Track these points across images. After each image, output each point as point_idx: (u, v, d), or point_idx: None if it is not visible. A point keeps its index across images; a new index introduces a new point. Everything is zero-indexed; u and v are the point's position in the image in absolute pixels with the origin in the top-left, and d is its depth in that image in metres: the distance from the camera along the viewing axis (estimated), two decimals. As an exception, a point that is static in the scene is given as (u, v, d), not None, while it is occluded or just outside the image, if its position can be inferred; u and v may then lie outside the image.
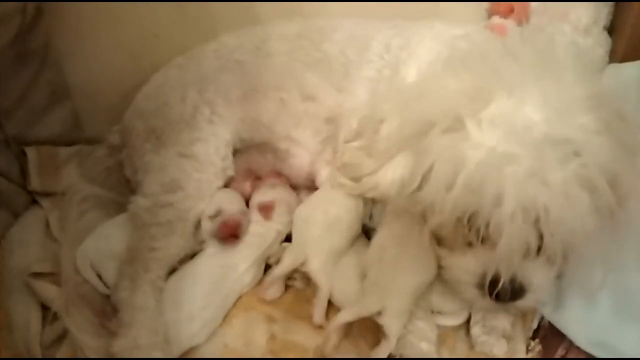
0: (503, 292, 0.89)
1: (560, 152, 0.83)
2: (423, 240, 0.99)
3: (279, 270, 1.09)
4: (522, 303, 0.92)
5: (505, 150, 0.84)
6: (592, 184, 0.84)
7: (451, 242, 0.96)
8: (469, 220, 0.88)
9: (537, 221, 0.83)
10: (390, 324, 0.97)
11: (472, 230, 0.89)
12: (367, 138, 1.08)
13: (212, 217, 1.14)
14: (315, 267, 1.06)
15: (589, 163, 0.83)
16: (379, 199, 1.08)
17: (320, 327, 1.04)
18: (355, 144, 1.11)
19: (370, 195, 1.08)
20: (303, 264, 1.07)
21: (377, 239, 1.08)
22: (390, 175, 1.02)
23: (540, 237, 0.85)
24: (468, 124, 0.88)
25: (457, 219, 0.88)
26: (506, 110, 0.87)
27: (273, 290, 1.10)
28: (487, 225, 0.85)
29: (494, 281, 0.89)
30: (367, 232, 1.16)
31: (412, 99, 1.01)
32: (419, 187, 0.92)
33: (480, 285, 0.92)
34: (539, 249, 0.88)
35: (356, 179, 1.09)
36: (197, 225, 1.15)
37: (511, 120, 0.86)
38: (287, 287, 1.12)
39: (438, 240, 0.99)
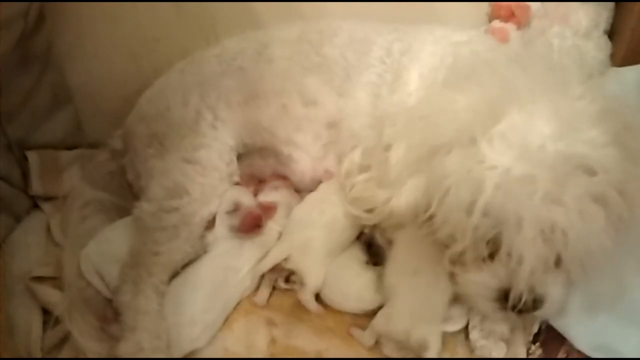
0: (524, 305, 0.90)
1: (572, 169, 0.85)
2: (441, 261, 1.00)
3: (263, 265, 1.10)
4: (540, 313, 0.94)
5: (522, 171, 0.85)
6: (605, 199, 0.85)
7: (465, 259, 0.96)
8: (487, 242, 0.89)
9: (555, 240, 0.84)
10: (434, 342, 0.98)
11: (488, 249, 0.91)
12: (375, 169, 1.09)
13: (231, 213, 1.15)
14: (305, 266, 1.07)
15: (601, 178, 0.85)
16: (395, 226, 1.08)
17: (321, 330, 1.05)
18: (362, 177, 1.11)
19: (386, 224, 1.08)
20: (287, 260, 1.08)
21: (402, 261, 1.08)
22: (404, 201, 1.02)
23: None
24: (480, 143, 0.88)
25: (474, 242, 0.90)
26: (517, 125, 0.88)
27: (260, 295, 1.11)
28: (505, 246, 0.87)
29: (514, 294, 0.90)
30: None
31: (418, 119, 1.01)
32: (435, 212, 0.93)
33: (498, 299, 0.93)
34: (557, 261, 0.90)
35: (370, 211, 1.09)
36: (206, 228, 1.15)
37: (523, 137, 0.87)
38: (287, 290, 1.12)
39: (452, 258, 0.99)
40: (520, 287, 0.89)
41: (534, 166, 0.84)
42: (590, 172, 0.86)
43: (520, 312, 0.91)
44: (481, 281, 0.94)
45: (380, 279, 1.07)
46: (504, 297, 0.91)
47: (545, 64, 0.95)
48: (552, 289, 0.92)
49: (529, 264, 0.86)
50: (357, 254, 1.14)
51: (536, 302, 0.91)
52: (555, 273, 0.91)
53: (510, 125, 0.89)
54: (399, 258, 1.07)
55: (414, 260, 1.05)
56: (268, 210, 1.19)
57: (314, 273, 1.07)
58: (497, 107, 0.90)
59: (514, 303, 0.90)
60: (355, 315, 1.07)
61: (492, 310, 0.94)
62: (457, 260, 0.97)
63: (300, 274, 1.07)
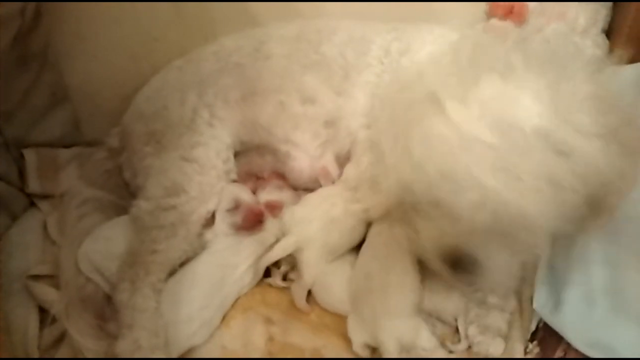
0: (462, 265, 0.89)
1: (543, 148, 0.82)
2: (406, 261, 1.02)
3: (268, 258, 1.12)
4: (481, 280, 0.92)
5: (481, 136, 0.82)
6: (561, 185, 0.82)
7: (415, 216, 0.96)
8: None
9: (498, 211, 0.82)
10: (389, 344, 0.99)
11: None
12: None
13: (232, 210, 1.16)
14: (306, 258, 1.08)
15: (575, 165, 0.82)
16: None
17: (318, 328, 1.05)
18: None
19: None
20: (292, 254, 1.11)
21: (361, 265, 1.09)
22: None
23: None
24: (448, 103, 0.86)
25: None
26: (497, 94, 0.85)
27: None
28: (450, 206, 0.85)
29: (454, 254, 0.90)
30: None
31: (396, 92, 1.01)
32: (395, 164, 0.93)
33: (442, 257, 0.92)
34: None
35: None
36: (204, 226, 1.16)
37: (499, 106, 0.84)
38: (284, 288, 1.12)
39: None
40: (460, 247, 0.88)
41: (500, 134, 0.82)
42: (564, 156, 0.82)
43: (462, 274, 0.90)
44: (428, 237, 0.94)
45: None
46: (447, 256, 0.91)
47: (549, 53, 0.93)
48: (495, 258, 0.89)
49: (468, 225, 0.84)
50: (350, 259, 1.14)
51: (475, 266, 0.89)
52: (502, 245, 0.88)
53: (490, 92, 0.86)
54: (362, 258, 1.09)
55: (374, 259, 1.07)
56: (274, 209, 1.20)
57: (312, 269, 1.08)
58: (477, 74, 0.88)
59: (452, 261, 0.90)
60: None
61: (441, 269, 0.93)
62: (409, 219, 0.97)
63: (299, 268, 1.08)
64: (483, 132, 0.82)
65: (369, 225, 1.15)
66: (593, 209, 0.87)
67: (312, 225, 1.13)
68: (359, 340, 1.01)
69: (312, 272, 1.08)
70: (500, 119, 0.83)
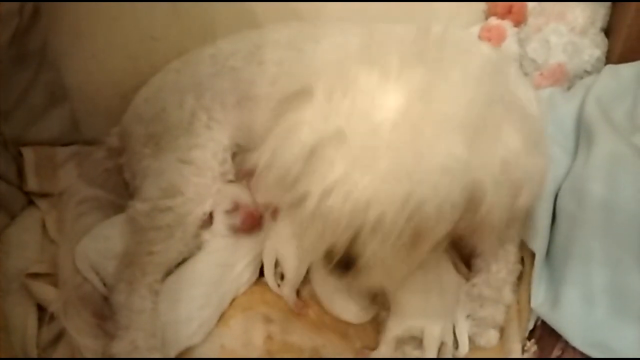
0: (338, 263, 0.86)
1: (404, 137, 0.79)
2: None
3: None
4: (356, 276, 0.88)
5: (341, 129, 0.81)
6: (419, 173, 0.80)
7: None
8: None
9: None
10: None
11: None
12: None
13: (230, 211, 1.15)
14: (284, 256, 1.10)
15: (426, 154, 0.79)
16: None
17: (318, 327, 1.06)
18: None
19: None
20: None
21: None
22: None
23: None
24: (316, 93, 0.85)
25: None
26: (368, 86, 0.83)
27: None
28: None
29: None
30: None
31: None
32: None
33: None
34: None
35: None
36: (201, 227, 1.15)
37: (366, 97, 0.82)
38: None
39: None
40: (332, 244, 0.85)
41: (361, 125, 0.80)
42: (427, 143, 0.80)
43: (341, 272, 0.87)
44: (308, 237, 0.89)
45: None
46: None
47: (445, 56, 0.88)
48: (369, 252, 0.85)
49: (336, 223, 0.81)
50: None
51: (349, 262, 0.86)
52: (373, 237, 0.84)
53: (361, 84, 0.83)
54: None
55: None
56: (274, 212, 1.19)
57: (291, 267, 1.08)
58: (349, 68, 0.86)
59: (329, 259, 0.87)
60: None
61: (322, 265, 0.91)
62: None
63: (281, 264, 1.09)
64: (342, 124, 0.81)
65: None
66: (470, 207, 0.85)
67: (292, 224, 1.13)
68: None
69: (291, 273, 1.08)
70: (362, 110, 0.81)
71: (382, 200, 0.78)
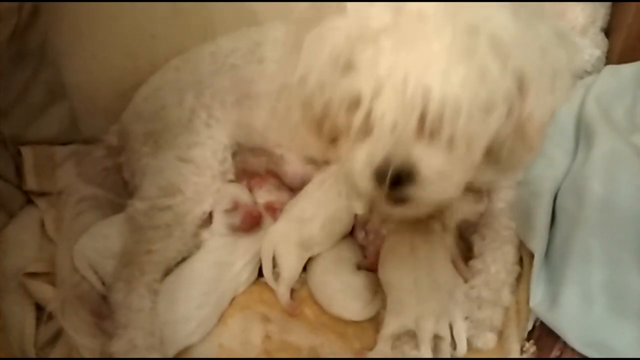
0: (394, 174, 0.82)
1: (449, 18, 0.79)
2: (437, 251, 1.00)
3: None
4: (416, 191, 0.84)
5: (381, 23, 0.80)
6: (474, 53, 0.80)
7: (348, 138, 0.90)
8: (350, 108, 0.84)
9: (417, 97, 0.78)
10: (427, 327, 0.98)
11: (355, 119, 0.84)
12: None
13: (230, 211, 1.15)
14: (281, 254, 1.10)
15: (477, 29, 0.79)
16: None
17: (316, 327, 1.05)
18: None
19: None
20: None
21: (398, 241, 1.07)
22: None
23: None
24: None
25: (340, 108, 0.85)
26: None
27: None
28: (368, 112, 0.81)
29: (381, 163, 0.83)
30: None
31: None
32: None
33: (372, 176, 0.84)
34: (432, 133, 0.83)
35: None
36: (200, 226, 1.16)
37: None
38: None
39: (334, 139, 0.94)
40: (387, 154, 0.82)
41: (395, 16, 0.80)
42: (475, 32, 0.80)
43: (394, 186, 0.83)
44: (357, 156, 0.87)
45: (368, 288, 1.08)
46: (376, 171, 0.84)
47: None
48: (426, 160, 0.83)
49: (390, 122, 0.79)
50: (348, 256, 1.14)
51: (408, 174, 0.82)
52: (432, 146, 0.83)
53: None
54: (395, 254, 1.07)
55: (408, 253, 1.05)
56: (273, 210, 1.20)
57: (286, 265, 1.09)
58: None
59: (382, 174, 0.82)
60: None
61: (372, 189, 0.86)
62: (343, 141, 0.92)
63: (277, 261, 1.09)
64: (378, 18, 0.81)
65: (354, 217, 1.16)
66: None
67: (286, 222, 1.14)
68: (392, 329, 1.00)
69: (286, 271, 1.09)
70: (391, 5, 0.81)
71: (438, 87, 0.77)
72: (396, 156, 0.82)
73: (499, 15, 0.82)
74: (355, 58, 0.82)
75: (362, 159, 0.85)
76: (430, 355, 0.98)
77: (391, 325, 1.00)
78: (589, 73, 1.28)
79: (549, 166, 1.10)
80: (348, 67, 0.83)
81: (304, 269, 1.13)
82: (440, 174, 0.84)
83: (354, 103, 0.82)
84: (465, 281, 1.06)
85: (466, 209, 1.12)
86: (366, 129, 0.84)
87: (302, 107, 0.93)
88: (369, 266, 1.12)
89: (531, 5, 0.87)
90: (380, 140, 0.82)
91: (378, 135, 0.82)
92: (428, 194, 0.85)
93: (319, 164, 1.20)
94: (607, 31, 1.33)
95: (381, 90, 0.79)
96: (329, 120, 0.90)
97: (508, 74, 0.82)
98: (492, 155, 0.91)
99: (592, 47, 1.28)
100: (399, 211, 0.91)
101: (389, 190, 0.83)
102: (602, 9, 1.31)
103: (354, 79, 0.82)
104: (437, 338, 0.99)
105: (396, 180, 0.82)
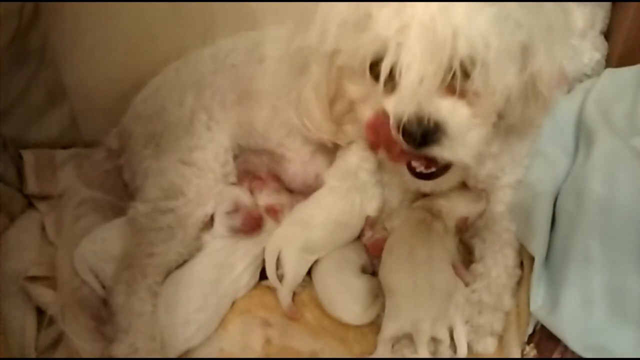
0: (412, 129, 0.85)
1: None
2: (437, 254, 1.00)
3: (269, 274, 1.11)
4: (440, 150, 0.88)
5: None
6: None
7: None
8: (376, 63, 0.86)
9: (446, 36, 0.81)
10: (424, 329, 0.98)
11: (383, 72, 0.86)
12: None
13: (231, 213, 1.15)
14: (286, 257, 1.09)
15: None
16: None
17: (316, 331, 1.05)
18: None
19: None
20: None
21: (398, 243, 1.08)
22: None
23: (453, 74, 0.84)
24: None
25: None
26: None
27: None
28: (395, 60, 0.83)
29: (409, 117, 0.85)
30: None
31: None
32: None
33: (399, 129, 0.87)
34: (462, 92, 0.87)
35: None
36: (201, 229, 1.16)
37: None
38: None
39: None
40: (415, 109, 0.84)
41: None
42: None
43: (421, 144, 0.86)
44: (388, 107, 0.90)
45: (369, 292, 1.07)
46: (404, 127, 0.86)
47: None
48: (450, 117, 0.86)
49: (418, 71, 0.82)
50: (353, 258, 1.13)
51: (429, 131, 0.85)
52: (456, 103, 0.87)
53: None
54: (393, 256, 1.07)
55: (406, 255, 1.05)
56: (275, 212, 1.19)
57: (290, 269, 1.08)
58: None
59: (410, 129, 0.85)
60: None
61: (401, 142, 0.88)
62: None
63: (281, 263, 1.09)
64: None
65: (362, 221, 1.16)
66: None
67: (290, 226, 1.14)
68: (390, 332, 1.00)
69: (293, 272, 1.08)
70: None
71: (466, 26, 0.80)
72: (424, 110, 0.84)
73: None
74: (376, 10, 0.84)
75: (389, 110, 0.88)
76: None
77: (389, 328, 1.00)
78: (588, 76, 1.28)
79: (549, 168, 1.10)
80: (368, 19, 0.85)
81: (308, 271, 1.12)
82: (466, 128, 0.88)
83: (379, 52, 0.84)
84: (466, 285, 1.06)
85: (464, 208, 1.12)
86: (392, 85, 0.86)
87: (320, 65, 0.96)
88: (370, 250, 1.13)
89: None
90: (407, 93, 0.84)
91: (405, 87, 0.84)
92: (455, 149, 0.88)
93: (327, 151, 1.20)
94: (607, 34, 1.32)
95: (408, 32, 0.81)
96: (341, 101, 0.91)
97: (524, 27, 0.86)
98: (507, 114, 0.95)
99: (591, 50, 1.28)
100: (427, 184, 0.97)
101: (417, 147, 0.86)
102: (601, 12, 1.31)
103: (378, 26, 0.83)
104: (436, 341, 0.99)
105: (424, 136, 0.85)
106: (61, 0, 1.31)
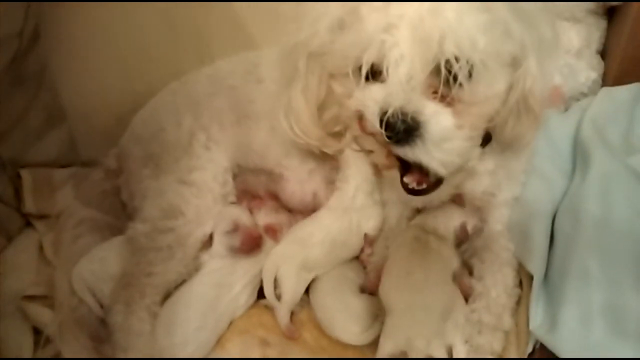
0: (395, 123, 0.85)
1: None
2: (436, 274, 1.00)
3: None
4: (416, 151, 0.88)
5: None
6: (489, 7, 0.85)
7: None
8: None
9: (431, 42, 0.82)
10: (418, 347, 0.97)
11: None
12: None
13: (230, 232, 1.15)
14: (284, 275, 1.09)
15: None
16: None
17: (315, 351, 1.05)
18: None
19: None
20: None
21: (396, 263, 1.07)
22: None
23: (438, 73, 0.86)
24: None
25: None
26: None
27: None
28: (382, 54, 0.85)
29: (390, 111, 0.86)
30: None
31: None
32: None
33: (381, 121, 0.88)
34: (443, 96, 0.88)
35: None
36: (200, 249, 1.16)
37: None
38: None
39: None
40: (400, 105, 0.85)
41: None
42: None
43: (401, 140, 0.87)
44: (370, 94, 0.91)
45: (369, 312, 1.07)
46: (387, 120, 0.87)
47: None
48: (435, 121, 0.87)
49: (406, 69, 0.83)
50: (351, 277, 1.13)
51: (409, 127, 0.86)
52: (443, 108, 0.88)
53: None
54: (392, 276, 1.06)
55: (407, 275, 1.04)
56: (273, 232, 1.20)
57: (288, 288, 1.08)
58: None
59: (393, 123, 0.85)
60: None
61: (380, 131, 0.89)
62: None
63: (279, 282, 1.09)
64: None
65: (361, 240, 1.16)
66: None
67: (290, 244, 1.14)
68: (386, 350, 0.99)
69: (291, 291, 1.08)
70: None
71: (454, 27, 0.82)
72: (408, 107, 0.85)
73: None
74: (365, 10, 0.86)
75: (374, 100, 0.89)
76: None
77: (385, 346, 0.99)
78: (585, 95, 1.28)
79: (546, 187, 1.10)
80: (357, 20, 0.87)
81: (306, 290, 1.12)
82: (448, 133, 0.88)
83: (367, 50, 0.86)
84: (467, 298, 1.06)
85: (460, 219, 1.12)
86: (379, 74, 0.88)
87: (310, 68, 0.98)
88: (370, 288, 1.11)
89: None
90: (395, 89, 0.85)
91: (392, 83, 0.85)
92: (431, 154, 0.88)
93: (324, 170, 1.21)
94: (603, 53, 1.33)
95: (397, 30, 0.83)
96: (331, 108, 0.91)
97: (514, 39, 0.88)
98: (498, 130, 0.96)
99: (588, 70, 1.28)
100: (419, 200, 0.97)
101: (395, 143, 0.87)
102: (597, 32, 1.32)
103: (367, 25, 0.86)
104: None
105: (406, 131, 0.86)
106: (61, 22, 1.32)
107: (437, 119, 0.87)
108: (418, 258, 1.06)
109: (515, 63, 0.91)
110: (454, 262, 1.08)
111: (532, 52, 0.91)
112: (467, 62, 0.84)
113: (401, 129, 0.86)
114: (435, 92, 0.87)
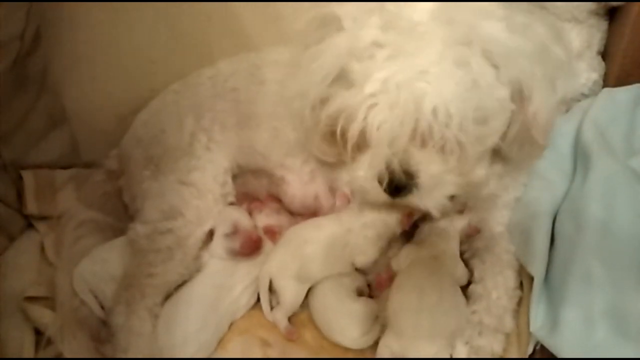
0: (397, 181, 0.89)
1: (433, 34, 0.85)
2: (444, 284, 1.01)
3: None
4: (411, 198, 0.91)
5: (374, 37, 0.86)
6: (468, 64, 0.85)
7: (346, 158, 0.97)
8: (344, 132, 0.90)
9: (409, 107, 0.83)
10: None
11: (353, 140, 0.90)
12: None
13: (230, 235, 1.15)
14: (281, 283, 1.10)
15: (475, 48, 0.85)
16: None
17: (316, 352, 1.05)
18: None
19: None
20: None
21: (408, 281, 1.07)
22: None
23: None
24: (343, 19, 0.90)
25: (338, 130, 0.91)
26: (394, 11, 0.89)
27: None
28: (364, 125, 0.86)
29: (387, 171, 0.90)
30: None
31: None
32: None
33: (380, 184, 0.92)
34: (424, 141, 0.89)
35: None
36: (201, 248, 1.16)
37: (394, 12, 0.88)
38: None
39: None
40: (387, 164, 0.89)
41: (393, 33, 0.85)
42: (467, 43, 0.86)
43: (397, 191, 0.90)
44: (360, 169, 0.94)
45: (368, 316, 1.07)
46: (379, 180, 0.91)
47: None
48: (426, 169, 0.90)
49: (387, 134, 0.85)
50: (347, 282, 1.12)
51: (407, 180, 0.89)
52: (433, 155, 0.89)
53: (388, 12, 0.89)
54: (404, 295, 1.05)
55: (420, 296, 1.03)
56: (273, 234, 1.20)
57: (287, 292, 1.08)
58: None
59: (388, 180, 0.89)
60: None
61: (381, 196, 0.93)
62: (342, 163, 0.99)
63: (277, 293, 1.09)
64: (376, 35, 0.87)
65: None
66: None
67: (287, 248, 1.14)
68: (386, 353, 1.00)
69: (287, 298, 1.08)
70: (391, 20, 0.88)
71: (429, 96, 0.83)
72: (396, 164, 0.88)
73: (492, 26, 0.88)
74: (351, 72, 0.88)
75: (365, 169, 0.93)
76: None
77: (389, 347, 1.00)
78: (586, 96, 1.28)
79: (547, 189, 1.10)
80: (344, 81, 0.89)
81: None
82: (438, 177, 0.91)
83: (352, 115, 0.87)
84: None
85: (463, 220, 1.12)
86: (365, 141, 0.90)
87: (301, 121, 0.99)
88: (378, 286, 1.12)
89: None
90: (379, 151, 0.88)
91: (376, 146, 0.88)
92: (424, 200, 0.92)
93: (326, 172, 1.21)
94: (604, 54, 1.33)
95: (375, 102, 0.84)
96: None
97: (504, 84, 0.88)
98: (502, 153, 0.98)
99: (589, 71, 1.28)
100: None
101: (393, 197, 0.90)
102: (598, 33, 1.31)
103: (350, 92, 0.87)
104: None
105: (398, 187, 0.89)
106: (62, 25, 1.32)
107: (428, 168, 0.90)
108: (432, 279, 1.05)
109: (509, 103, 0.91)
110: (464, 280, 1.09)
111: (532, 86, 0.91)
112: (446, 125, 0.85)
113: (393, 186, 0.90)
114: (424, 140, 0.89)
